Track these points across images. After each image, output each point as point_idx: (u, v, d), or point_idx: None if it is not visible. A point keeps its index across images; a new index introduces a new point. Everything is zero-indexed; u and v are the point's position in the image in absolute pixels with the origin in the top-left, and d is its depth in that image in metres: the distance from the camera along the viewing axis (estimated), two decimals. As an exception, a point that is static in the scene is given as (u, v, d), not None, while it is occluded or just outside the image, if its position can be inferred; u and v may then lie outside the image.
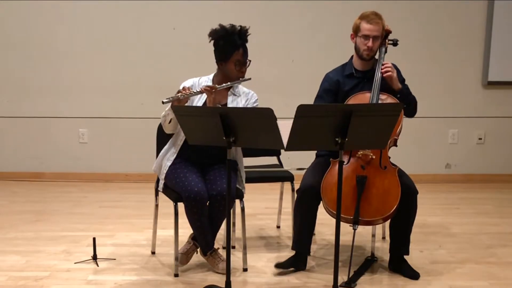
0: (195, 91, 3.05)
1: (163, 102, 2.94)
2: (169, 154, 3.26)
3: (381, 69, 3.17)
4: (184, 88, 3.03)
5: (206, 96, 3.09)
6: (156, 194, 3.41)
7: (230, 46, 3.11)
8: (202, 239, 3.18)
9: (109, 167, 5.55)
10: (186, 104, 3.07)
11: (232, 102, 3.23)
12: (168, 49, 5.34)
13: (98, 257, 3.34)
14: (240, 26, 3.15)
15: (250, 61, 3.18)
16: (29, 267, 3.29)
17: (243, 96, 3.27)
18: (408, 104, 3.17)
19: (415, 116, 3.32)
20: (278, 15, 5.35)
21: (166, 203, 3.39)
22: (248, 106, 3.22)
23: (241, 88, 3.31)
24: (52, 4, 5.31)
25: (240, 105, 3.21)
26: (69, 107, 5.49)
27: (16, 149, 5.56)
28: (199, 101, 3.21)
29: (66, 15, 5.34)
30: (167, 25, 5.33)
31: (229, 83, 3.12)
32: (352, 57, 3.31)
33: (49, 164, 5.57)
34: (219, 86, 3.09)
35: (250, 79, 3.17)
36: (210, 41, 3.17)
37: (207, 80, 3.25)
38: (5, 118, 5.52)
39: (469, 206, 4.69)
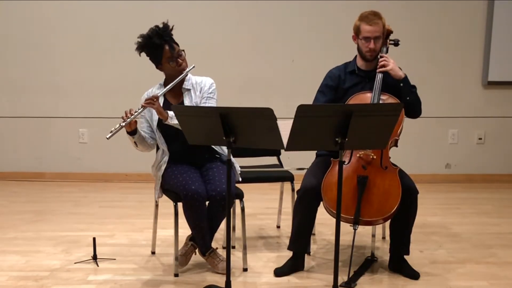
0: (136, 111, 3.01)
1: (107, 138, 2.92)
2: (160, 165, 3.27)
3: (378, 65, 3.17)
4: (126, 113, 3.00)
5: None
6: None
7: (154, 50, 3.14)
8: (200, 238, 3.17)
9: (109, 167, 5.55)
10: (137, 124, 3.10)
11: (187, 97, 3.24)
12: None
13: (98, 257, 3.34)
14: (157, 25, 3.15)
15: (183, 50, 3.20)
16: (29, 267, 3.28)
17: (196, 87, 3.26)
18: (411, 95, 3.16)
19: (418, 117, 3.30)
20: (278, 15, 5.35)
21: (166, 203, 3.39)
22: (204, 95, 3.23)
23: (193, 79, 3.29)
24: (52, 4, 5.31)
25: (195, 97, 3.22)
26: (69, 107, 5.49)
27: (16, 149, 5.57)
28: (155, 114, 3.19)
29: (66, 15, 5.34)
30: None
31: (170, 84, 3.13)
32: (356, 56, 3.31)
33: (49, 164, 5.57)
34: (160, 92, 3.12)
35: (193, 67, 3.19)
36: (140, 55, 3.19)
37: (158, 87, 3.28)
38: (5, 118, 5.53)
39: (469, 206, 4.69)
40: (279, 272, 3.18)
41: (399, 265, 3.20)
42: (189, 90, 3.25)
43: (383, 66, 3.15)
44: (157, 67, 3.23)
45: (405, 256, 3.21)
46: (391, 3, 5.06)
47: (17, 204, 4.69)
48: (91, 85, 5.45)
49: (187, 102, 3.22)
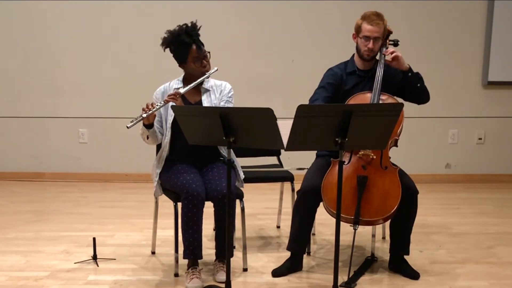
0: (158, 104, 3.02)
1: (128, 127, 2.94)
2: (159, 165, 3.25)
3: (385, 54, 3.16)
4: (147, 105, 3.00)
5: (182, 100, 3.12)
6: (156, 194, 3.40)
7: (181, 47, 3.13)
8: (190, 244, 3.01)
9: (109, 167, 5.55)
10: (156, 116, 3.11)
11: (206, 98, 3.24)
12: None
13: (98, 257, 3.34)
14: (186, 24, 3.15)
15: (209, 52, 3.20)
16: (29, 267, 3.28)
17: (216, 89, 3.27)
18: (420, 81, 3.19)
19: (422, 104, 3.30)
20: (278, 15, 5.35)
21: (166, 203, 3.39)
22: (223, 97, 3.24)
23: (213, 81, 3.30)
24: (52, 4, 5.31)
25: (215, 98, 3.23)
26: (68, 107, 5.49)
27: (16, 149, 5.57)
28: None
29: (66, 15, 5.34)
30: (167, 26, 5.30)
31: (193, 83, 3.13)
32: (353, 55, 3.31)
33: (49, 164, 5.57)
34: (183, 90, 3.11)
35: (216, 70, 3.19)
36: (164, 50, 3.18)
37: (177, 82, 3.26)
38: (5, 118, 5.53)
39: (469, 206, 4.69)
40: (277, 273, 3.18)
41: (399, 265, 3.20)
42: (208, 91, 3.26)
43: (395, 57, 3.13)
44: (180, 65, 3.22)
45: (405, 256, 3.21)
46: (391, 3, 5.06)
47: (17, 204, 4.69)
48: (91, 85, 5.45)
49: (205, 102, 3.22)
